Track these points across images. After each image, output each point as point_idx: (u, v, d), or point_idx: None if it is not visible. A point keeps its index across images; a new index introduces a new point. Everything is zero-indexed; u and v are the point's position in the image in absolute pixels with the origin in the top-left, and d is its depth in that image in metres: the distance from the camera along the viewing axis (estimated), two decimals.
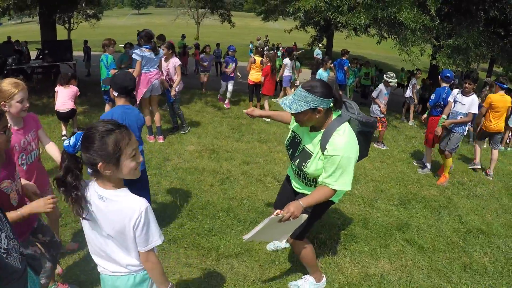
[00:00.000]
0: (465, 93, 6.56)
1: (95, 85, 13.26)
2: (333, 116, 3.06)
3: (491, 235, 5.11)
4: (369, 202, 5.70)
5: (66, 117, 7.76)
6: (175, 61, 8.15)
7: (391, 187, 6.38)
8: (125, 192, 2.07)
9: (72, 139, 1.97)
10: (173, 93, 8.06)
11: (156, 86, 7.66)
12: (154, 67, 7.55)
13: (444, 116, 6.66)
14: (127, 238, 2.07)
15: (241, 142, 8.11)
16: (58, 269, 3.74)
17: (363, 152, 3.65)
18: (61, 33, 20.47)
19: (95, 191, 2.06)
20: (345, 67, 12.88)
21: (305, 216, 3.02)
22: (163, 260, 3.98)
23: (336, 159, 2.90)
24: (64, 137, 7.64)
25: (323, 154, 3.00)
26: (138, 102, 7.50)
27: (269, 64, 10.52)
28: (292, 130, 3.39)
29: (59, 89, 7.59)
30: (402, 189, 6.34)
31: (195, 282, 3.72)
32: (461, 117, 6.53)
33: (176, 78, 8.07)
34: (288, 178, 3.73)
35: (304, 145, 3.19)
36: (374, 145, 8.76)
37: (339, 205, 5.47)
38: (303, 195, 3.24)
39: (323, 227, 4.81)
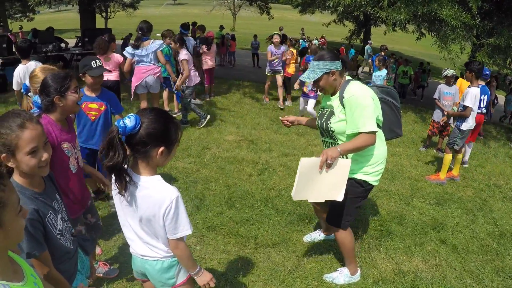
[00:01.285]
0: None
1: None
2: (346, 78, 3.46)
3: None
4: (405, 200, 5.74)
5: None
6: (180, 56, 7.71)
7: (427, 185, 6.39)
8: (158, 179, 2.10)
9: (131, 121, 1.92)
10: (177, 84, 7.85)
11: (151, 83, 7.25)
12: (148, 62, 7.15)
13: (455, 108, 7.15)
14: (156, 225, 2.12)
15: (279, 134, 8.23)
16: (98, 250, 3.93)
17: (397, 130, 3.86)
18: (98, 21, 20.83)
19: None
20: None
21: (348, 162, 3.13)
22: (201, 246, 4.17)
23: (353, 99, 3.20)
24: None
25: (342, 105, 3.29)
26: (132, 97, 7.43)
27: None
28: (321, 107, 3.66)
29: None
30: (438, 188, 6.35)
31: (232, 269, 3.87)
32: (460, 110, 6.66)
33: (183, 73, 7.76)
34: None
35: (329, 109, 3.46)
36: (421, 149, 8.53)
37: (376, 201, 5.55)
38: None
39: (359, 222, 4.90)
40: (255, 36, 20.27)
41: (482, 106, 7.47)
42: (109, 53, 7.09)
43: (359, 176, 3.42)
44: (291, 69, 10.83)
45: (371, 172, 3.44)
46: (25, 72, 5.79)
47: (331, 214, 3.66)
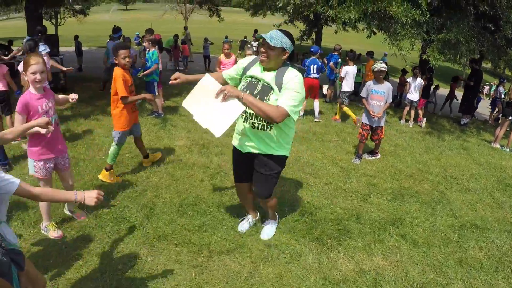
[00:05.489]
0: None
1: (85, 80, 13.15)
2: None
3: (486, 230, 5.05)
4: (362, 197, 5.61)
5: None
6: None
7: (383, 181, 6.30)
8: None
9: None
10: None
11: None
12: None
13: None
14: None
15: (231, 136, 7.91)
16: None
17: None
18: (48, 28, 19.96)
19: None
20: (331, 63, 12.74)
21: (241, 107, 3.34)
22: (153, 257, 3.89)
23: (291, 84, 3.40)
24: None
25: (279, 90, 3.46)
26: None
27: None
28: (250, 76, 3.69)
29: None
30: (395, 183, 6.27)
31: (186, 279, 3.61)
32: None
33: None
34: (236, 152, 4.05)
35: (262, 82, 3.55)
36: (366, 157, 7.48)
37: (332, 200, 5.39)
38: (262, 156, 3.76)
39: (316, 222, 4.72)
40: (205, 39, 20.03)
41: (312, 72, 9.96)
42: None
43: (282, 152, 3.79)
44: None
45: (288, 148, 3.85)
46: None
47: (263, 189, 3.98)
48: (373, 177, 6.44)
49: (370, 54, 14.15)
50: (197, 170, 6.07)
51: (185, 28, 21.20)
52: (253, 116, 3.60)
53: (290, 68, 3.53)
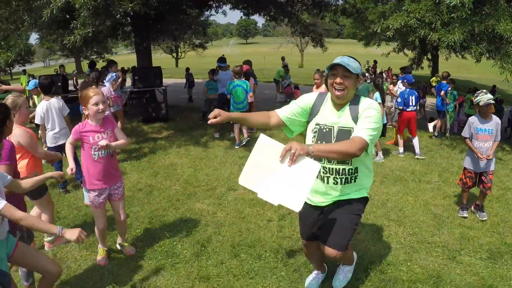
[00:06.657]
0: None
1: (191, 111, 13.62)
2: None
3: None
4: (450, 254, 4.68)
5: None
6: None
7: (481, 234, 5.25)
8: None
9: None
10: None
11: None
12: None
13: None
14: None
15: None
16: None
17: None
18: (169, 61, 21.33)
19: None
20: (442, 92, 11.63)
21: (317, 165, 2.55)
22: None
23: (368, 112, 2.90)
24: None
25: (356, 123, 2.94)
26: None
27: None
28: (316, 124, 3.11)
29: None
30: (495, 238, 5.19)
31: None
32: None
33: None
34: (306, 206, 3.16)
35: (338, 127, 3.02)
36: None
37: (412, 255, 4.58)
38: (342, 203, 3.14)
39: (383, 282, 3.96)
40: (318, 70, 19.89)
41: (410, 104, 9.07)
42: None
43: (365, 193, 3.21)
44: None
45: (369, 188, 3.28)
46: (48, 107, 6.00)
47: (339, 239, 3.12)
48: (470, 228, 5.42)
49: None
50: (268, 209, 5.65)
51: (283, 59, 21.44)
52: (333, 172, 3.05)
53: (362, 97, 3.05)
